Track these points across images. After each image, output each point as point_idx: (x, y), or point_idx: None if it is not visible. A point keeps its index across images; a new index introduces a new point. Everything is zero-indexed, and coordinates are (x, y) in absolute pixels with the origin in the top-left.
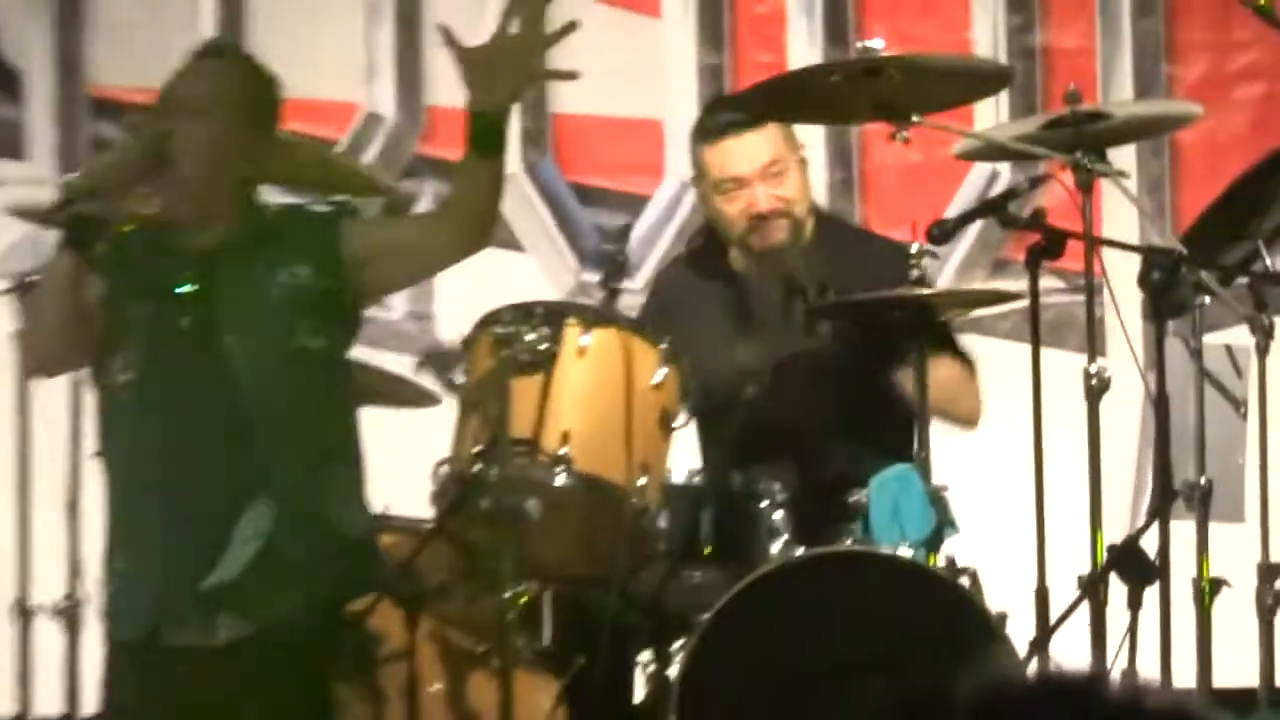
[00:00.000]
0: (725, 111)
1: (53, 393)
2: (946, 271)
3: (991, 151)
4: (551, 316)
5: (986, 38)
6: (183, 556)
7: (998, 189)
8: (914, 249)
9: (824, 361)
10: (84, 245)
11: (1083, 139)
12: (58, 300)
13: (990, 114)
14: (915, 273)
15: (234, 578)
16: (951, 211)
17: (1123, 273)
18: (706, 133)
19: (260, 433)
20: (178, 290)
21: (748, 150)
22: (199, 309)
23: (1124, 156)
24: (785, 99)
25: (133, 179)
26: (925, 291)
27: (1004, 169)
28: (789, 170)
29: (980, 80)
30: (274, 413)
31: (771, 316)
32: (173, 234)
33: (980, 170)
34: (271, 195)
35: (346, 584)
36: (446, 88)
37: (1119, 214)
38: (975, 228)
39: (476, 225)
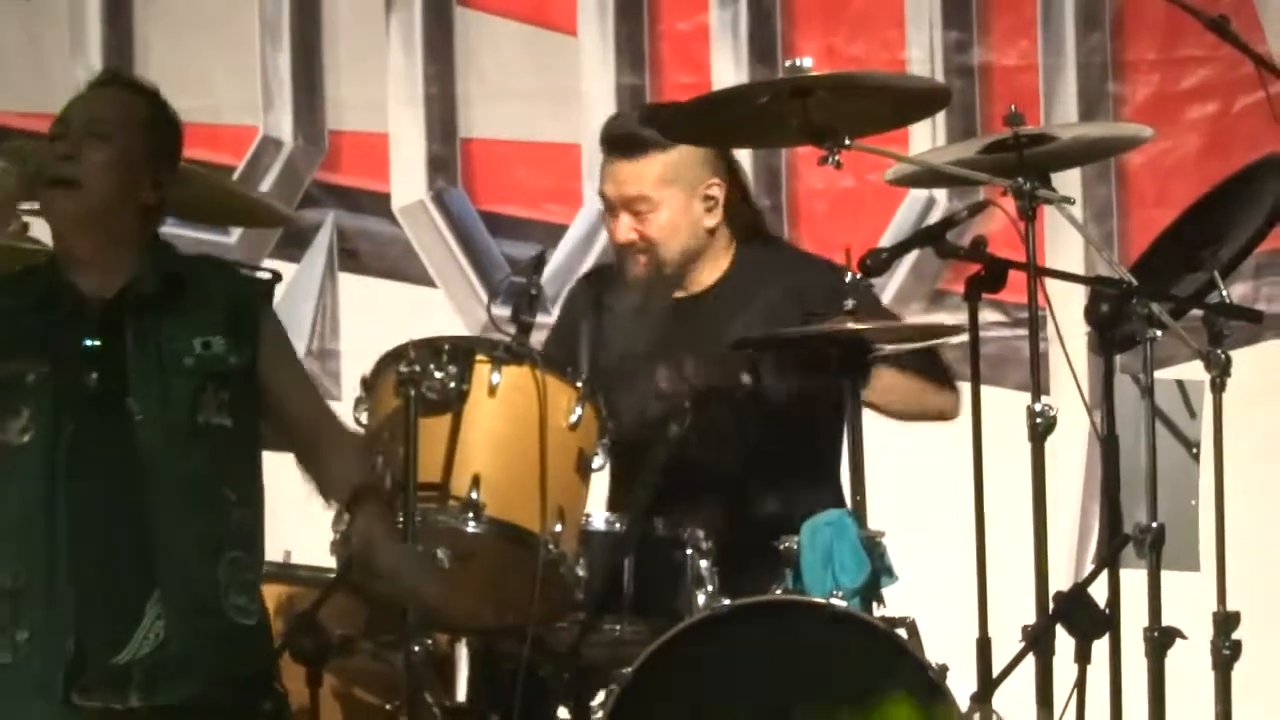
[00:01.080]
0: (637, 125)
1: None
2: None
3: (928, 177)
4: (460, 353)
5: (922, 56)
6: (87, 634)
7: (935, 216)
8: (848, 279)
9: (753, 399)
10: None
11: (1025, 163)
12: None
13: (926, 137)
14: (850, 304)
15: (144, 655)
16: (886, 240)
17: (1068, 305)
18: (601, 141)
19: (159, 511)
20: (83, 344)
21: (619, 176)
22: (105, 366)
23: (1069, 181)
24: (710, 121)
25: (13, 201)
26: (859, 326)
27: (941, 195)
28: (659, 209)
29: (916, 100)
30: (173, 491)
31: (689, 345)
32: (69, 280)
33: (916, 196)
34: (170, 228)
35: (239, 671)
36: (348, 112)
37: (1063, 242)
38: (911, 257)
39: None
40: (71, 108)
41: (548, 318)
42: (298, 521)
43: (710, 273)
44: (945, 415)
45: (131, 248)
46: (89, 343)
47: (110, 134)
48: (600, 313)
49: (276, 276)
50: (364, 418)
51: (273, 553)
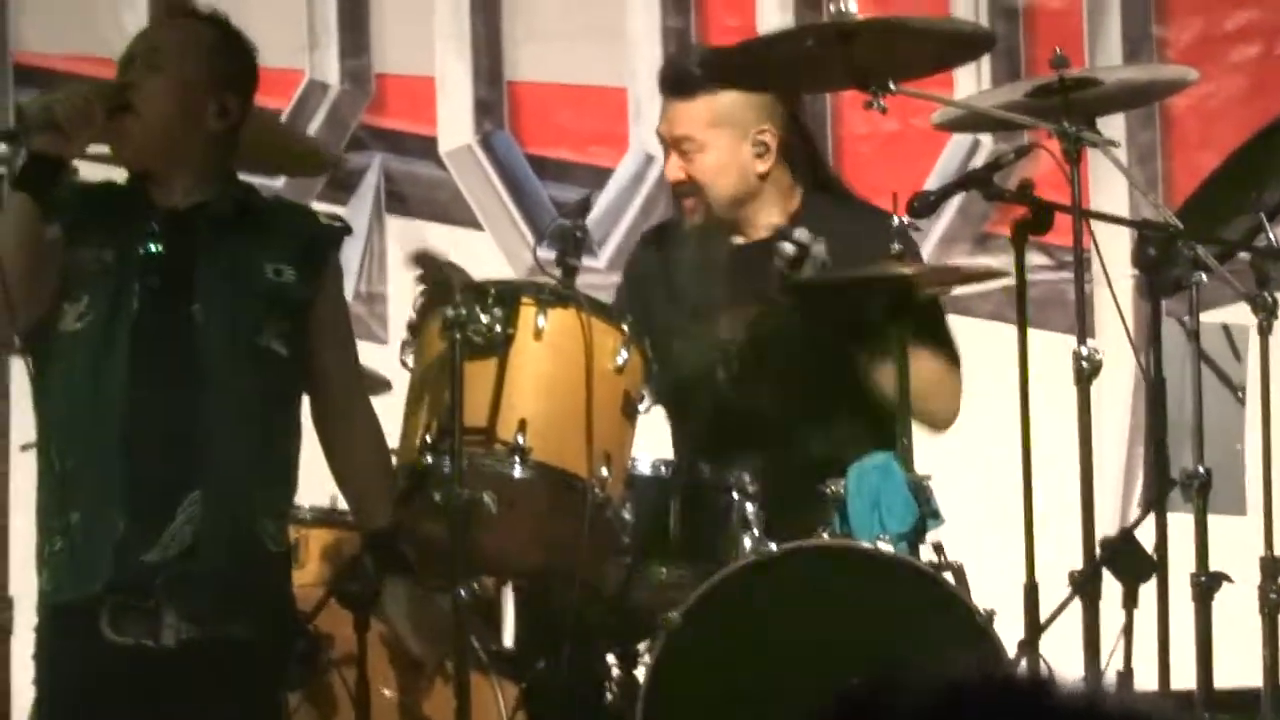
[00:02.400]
0: (692, 65)
1: None
2: (927, 247)
3: (973, 121)
4: (506, 297)
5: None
6: (134, 515)
7: (980, 159)
8: (894, 223)
9: (799, 343)
10: (42, 187)
11: (1071, 106)
12: (16, 246)
13: (970, 80)
14: (896, 247)
15: (171, 558)
16: (932, 183)
17: (1113, 249)
18: (658, 80)
19: (210, 417)
20: (147, 247)
21: (670, 115)
22: (170, 269)
23: (1113, 125)
24: (755, 65)
25: (92, 120)
26: (906, 270)
27: (986, 138)
28: (705, 150)
29: (961, 44)
30: (225, 402)
31: (751, 290)
32: (140, 186)
33: (960, 140)
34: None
35: (260, 597)
36: (394, 55)
37: (1108, 185)
38: (957, 201)
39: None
40: (135, 41)
41: (594, 260)
42: None
43: (771, 218)
44: (943, 425)
45: (201, 173)
46: (153, 247)
47: (165, 63)
48: (664, 267)
49: (348, 228)
50: (410, 361)
51: (318, 498)
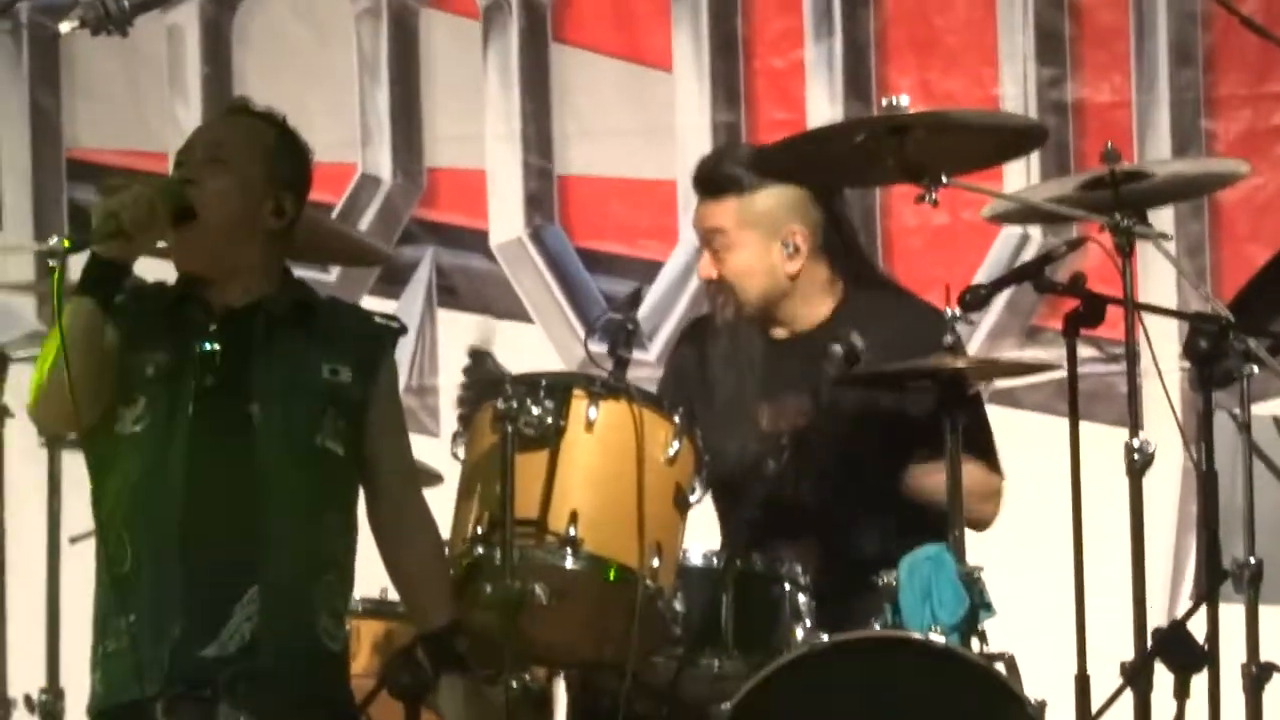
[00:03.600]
0: (725, 164)
1: (25, 475)
2: (976, 340)
3: (1025, 214)
4: (557, 389)
5: (1016, 92)
6: (191, 615)
7: (1029, 252)
8: (947, 315)
9: (849, 435)
10: (106, 290)
11: (1122, 200)
12: (78, 350)
13: (1020, 172)
14: (949, 339)
15: (230, 655)
16: (981, 276)
17: (1160, 341)
18: (692, 179)
19: (268, 517)
20: (203, 347)
21: (702, 213)
22: (227, 368)
23: (1162, 217)
24: (806, 158)
25: (156, 225)
26: (959, 363)
27: (1035, 232)
28: (734, 250)
29: (1013, 138)
30: (283, 502)
31: (793, 384)
32: (194, 287)
33: (1010, 233)
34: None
35: (320, 694)
36: (445, 149)
37: (1155, 277)
38: (1006, 294)
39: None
40: (196, 134)
41: (644, 354)
42: None
43: (814, 313)
44: (982, 527)
45: (257, 272)
46: (208, 346)
47: (229, 159)
48: (701, 360)
49: (403, 328)
50: (461, 453)
51: (370, 589)
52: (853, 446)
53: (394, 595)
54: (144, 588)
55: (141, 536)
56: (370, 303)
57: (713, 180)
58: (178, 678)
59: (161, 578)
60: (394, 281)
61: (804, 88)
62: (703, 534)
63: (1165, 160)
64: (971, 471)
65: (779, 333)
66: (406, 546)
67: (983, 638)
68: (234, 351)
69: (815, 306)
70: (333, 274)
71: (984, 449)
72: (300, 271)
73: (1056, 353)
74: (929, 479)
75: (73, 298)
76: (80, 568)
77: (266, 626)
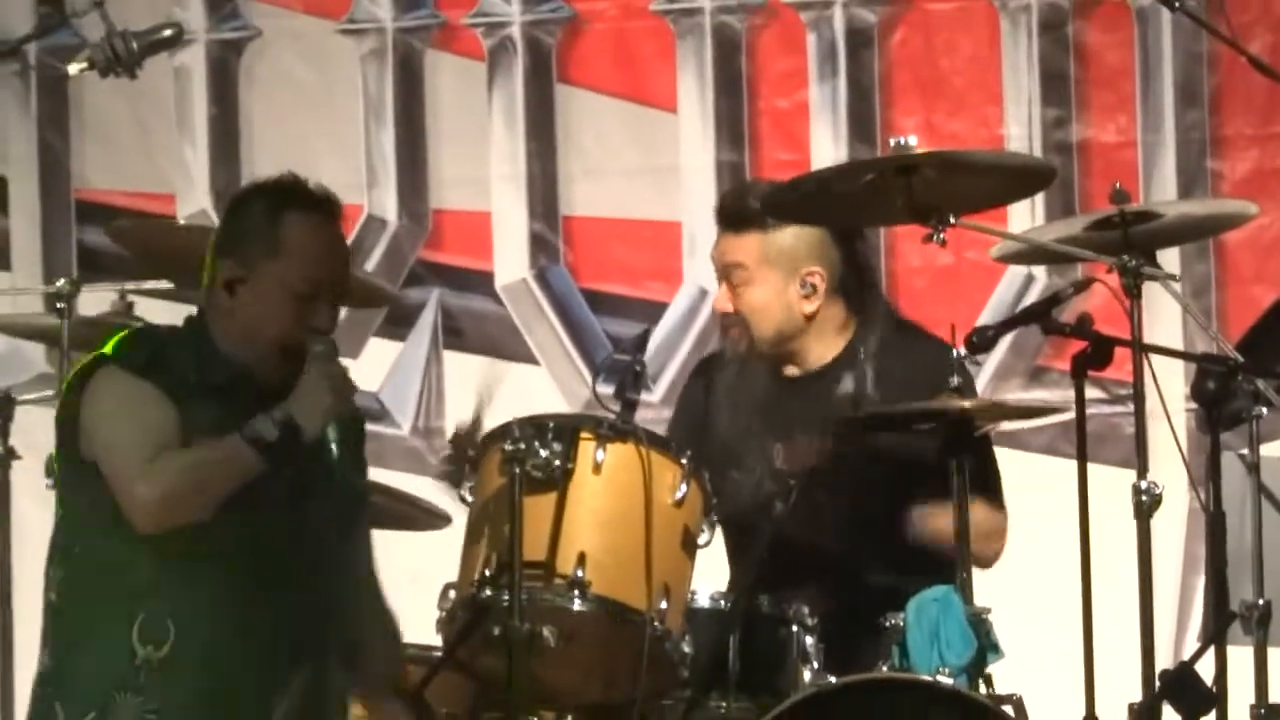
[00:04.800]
0: (750, 199)
1: (32, 516)
2: (981, 381)
3: (1033, 254)
4: (565, 431)
5: (1021, 133)
6: (232, 710)
7: (1034, 293)
8: (954, 357)
9: (857, 476)
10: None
11: (1131, 241)
12: (225, 488)
13: (1024, 212)
14: (956, 380)
15: None
16: (986, 316)
17: (1164, 381)
18: (715, 211)
19: (312, 610)
20: (266, 436)
21: (723, 246)
22: (286, 464)
23: (1168, 258)
24: (813, 199)
25: None
26: (967, 404)
27: (1039, 272)
28: (752, 285)
29: (1021, 178)
30: (324, 594)
31: (804, 422)
32: (243, 368)
33: (1015, 273)
34: None
35: None
36: (451, 191)
37: (1162, 319)
38: (1011, 335)
39: None
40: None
41: (649, 395)
42: (404, 600)
43: (825, 351)
44: (986, 566)
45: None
46: (271, 432)
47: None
48: (711, 397)
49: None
50: (469, 496)
51: None
52: (860, 487)
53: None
54: (184, 676)
55: (194, 625)
56: (376, 344)
57: (737, 214)
58: None
59: (208, 670)
60: (400, 323)
61: (808, 128)
62: (711, 573)
63: (1173, 201)
64: (974, 510)
65: (790, 370)
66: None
67: (990, 680)
68: (286, 444)
69: (827, 345)
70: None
71: (988, 486)
72: None
73: (1061, 394)
74: (933, 521)
75: (243, 447)
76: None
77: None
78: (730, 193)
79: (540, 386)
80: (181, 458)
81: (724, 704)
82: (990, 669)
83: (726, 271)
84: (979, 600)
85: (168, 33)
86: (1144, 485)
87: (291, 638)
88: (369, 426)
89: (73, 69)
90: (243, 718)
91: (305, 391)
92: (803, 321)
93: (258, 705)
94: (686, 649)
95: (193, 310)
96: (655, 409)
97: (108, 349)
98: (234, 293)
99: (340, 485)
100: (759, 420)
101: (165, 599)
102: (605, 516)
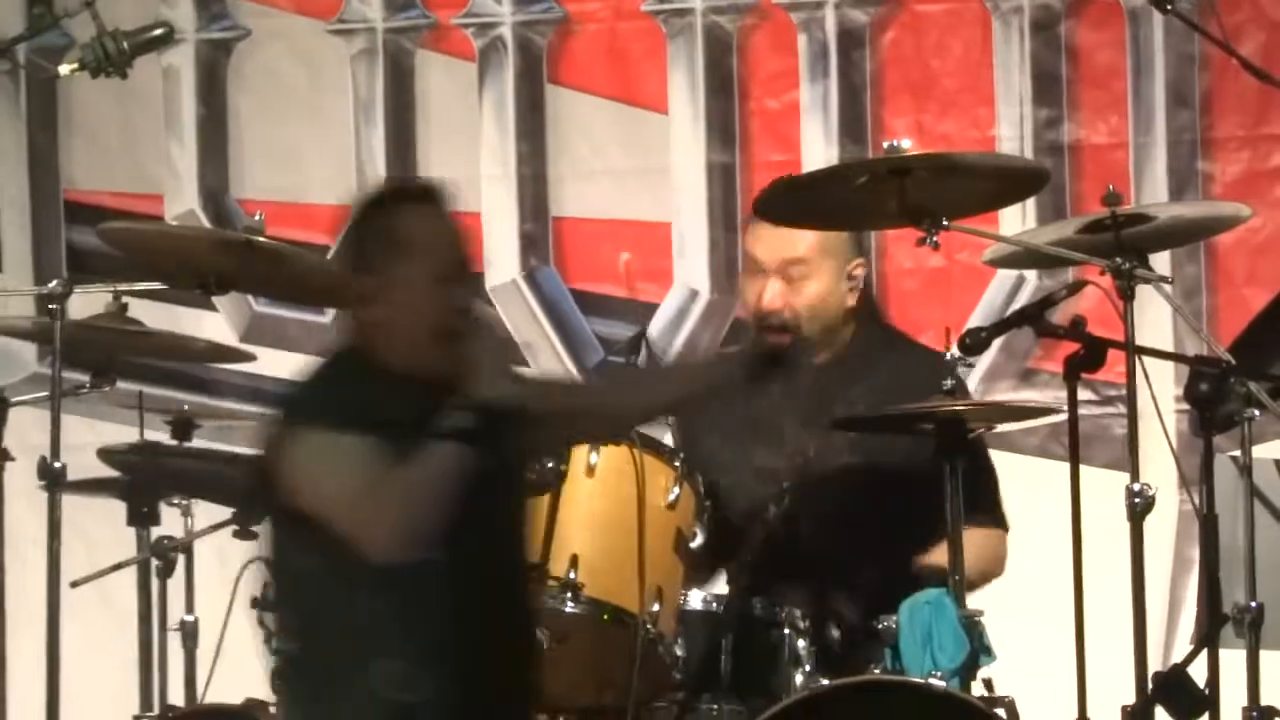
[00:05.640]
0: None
1: (25, 518)
2: (971, 383)
3: (1026, 257)
4: None
5: (1012, 134)
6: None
7: (1025, 295)
8: (947, 359)
9: (850, 479)
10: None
11: (1123, 243)
12: (445, 493)
13: (1015, 214)
14: (949, 383)
15: None
16: (977, 319)
17: (1156, 383)
18: (753, 210)
19: (525, 617)
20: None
21: (776, 238)
22: (492, 488)
23: (1159, 260)
24: (806, 201)
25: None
26: (959, 405)
27: (1030, 275)
28: (812, 276)
29: (1015, 181)
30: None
31: (796, 423)
32: (427, 383)
33: (1005, 275)
34: (266, 308)
35: None
36: None
37: (1152, 321)
38: (1002, 337)
39: None
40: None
41: None
42: None
43: (835, 349)
44: (984, 585)
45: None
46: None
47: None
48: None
49: None
50: None
51: None
52: (853, 490)
53: None
54: (436, 714)
55: (451, 673)
56: None
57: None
58: None
59: (458, 703)
60: None
61: (799, 129)
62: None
63: (1165, 203)
64: (973, 538)
65: None
66: None
67: (985, 683)
68: (489, 466)
69: (837, 341)
70: (329, 314)
71: (987, 506)
72: (296, 314)
73: (1052, 395)
74: (938, 558)
75: (444, 443)
76: (80, 612)
77: None
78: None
79: None
80: (396, 482)
81: (716, 706)
82: (983, 671)
83: (785, 266)
84: (972, 603)
85: (158, 32)
86: (1137, 487)
87: (523, 627)
88: None
89: (64, 70)
90: None
91: (476, 368)
92: (844, 316)
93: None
94: (679, 651)
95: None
96: None
97: (281, 418)
98: (375, 306)
99: (512, 458)
100: (757, 419)
101: (408, 640)
102: (598, 519)
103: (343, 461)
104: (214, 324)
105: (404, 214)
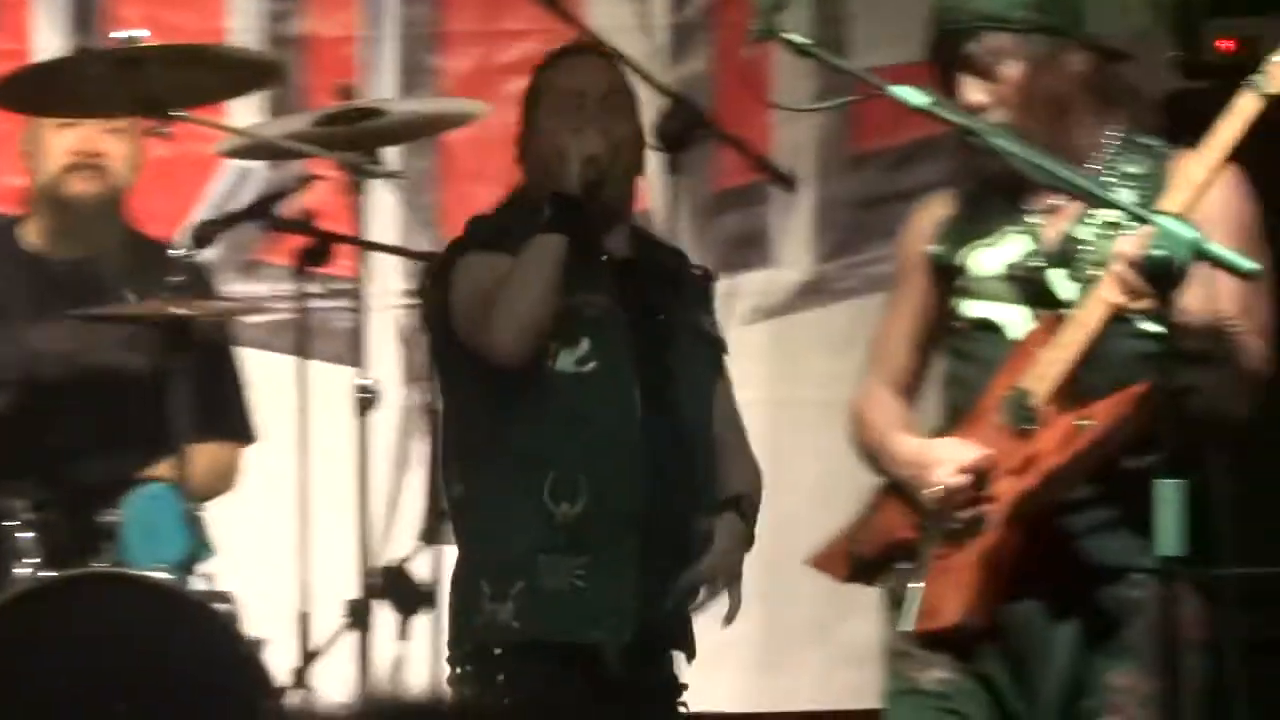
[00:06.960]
0: None
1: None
2: None
3: (261, 150)
4: None
5: (245, 25)
6: (647, 565)
7: (250, 188)
8: (175, 254)
9: (94, 368)
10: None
11: (356, 137)
12: (551, 285)
13: (247, 108)
14: (177, 279)
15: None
16: (201, 213)
17: (382, 277)
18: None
19: (697, 443)
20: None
21: None
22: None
23: (388, 155)
24: (35, 90)
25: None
26: (179, 309)
27: (256, 166)
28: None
29: (249, 73)
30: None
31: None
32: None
33: (230, 167)
34: None
35: None
36: None
37: (377, 214)
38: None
39: None
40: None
41: None
42: None
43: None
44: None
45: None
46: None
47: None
48: None
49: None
50: None
51: None
52: (93, 383)
53: None
54: (599, 530)
55: (603, 480)
56: None
57: None
58: (639, 626)
59: (620, 523)
60: None
61: (26, 17)
62: None
63: (400, 99)
64: (206, 451)
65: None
66: None
67: (206, 577)
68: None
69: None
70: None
71: (224, 415)
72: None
73: (274, 287)
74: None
75: (541, 235)
76: None
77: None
78: None
79: None
80: (502, 280)
81: None
82: (206, 566)
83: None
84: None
85: None
86: (363, 382)
87: (695, 496)
88: None
89: None
90: (666, 554)
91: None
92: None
93: (674, 565)
94: None
95: None
96: None
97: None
98: (525, 147)
99: (696, 333)
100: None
101: (567, 453)
102: None
103: (468, 275)
104: None
105: (544, 68)
